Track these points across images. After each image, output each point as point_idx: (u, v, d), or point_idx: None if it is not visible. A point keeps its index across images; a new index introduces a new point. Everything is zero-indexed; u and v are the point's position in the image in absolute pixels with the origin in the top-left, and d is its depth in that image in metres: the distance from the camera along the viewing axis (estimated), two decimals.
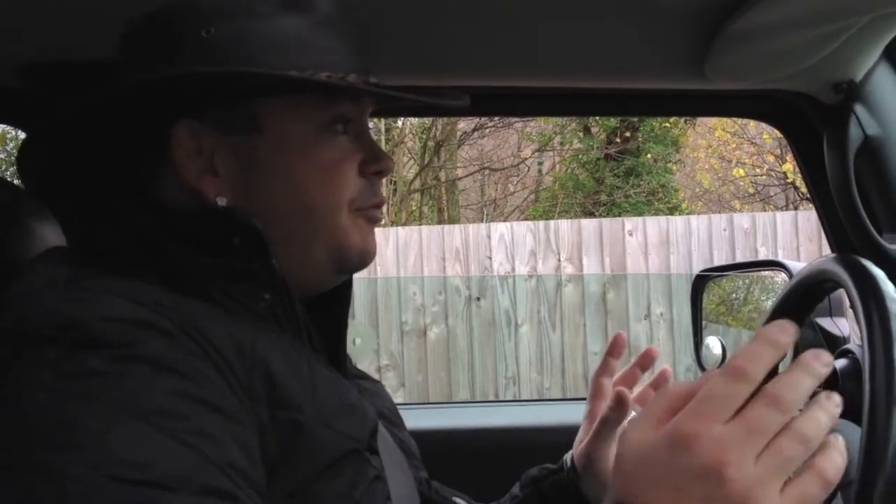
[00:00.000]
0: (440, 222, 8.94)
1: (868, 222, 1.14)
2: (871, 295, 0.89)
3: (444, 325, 4.63)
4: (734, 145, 9.96)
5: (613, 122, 9.20)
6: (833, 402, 0.54)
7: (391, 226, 7.22)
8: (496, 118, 8.39)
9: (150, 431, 0.57)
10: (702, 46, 1.06)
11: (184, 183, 0.75)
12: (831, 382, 1.09)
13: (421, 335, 4.62)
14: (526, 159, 10.02)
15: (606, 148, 9.52)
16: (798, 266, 1.26)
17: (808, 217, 5.42)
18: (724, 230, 5.37)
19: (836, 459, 0.53)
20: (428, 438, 1.10)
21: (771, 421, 0.52)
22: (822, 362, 0.53)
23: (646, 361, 1.00)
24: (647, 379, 1.02)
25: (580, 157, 9.90)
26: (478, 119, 8.56)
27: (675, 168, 10.38)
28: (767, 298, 1.64)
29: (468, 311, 4.64)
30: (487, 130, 9.31)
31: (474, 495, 1.05)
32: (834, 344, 1.17)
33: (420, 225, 7.92)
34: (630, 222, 5.37)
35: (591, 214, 9.04)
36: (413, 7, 0.98)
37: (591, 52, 1.13)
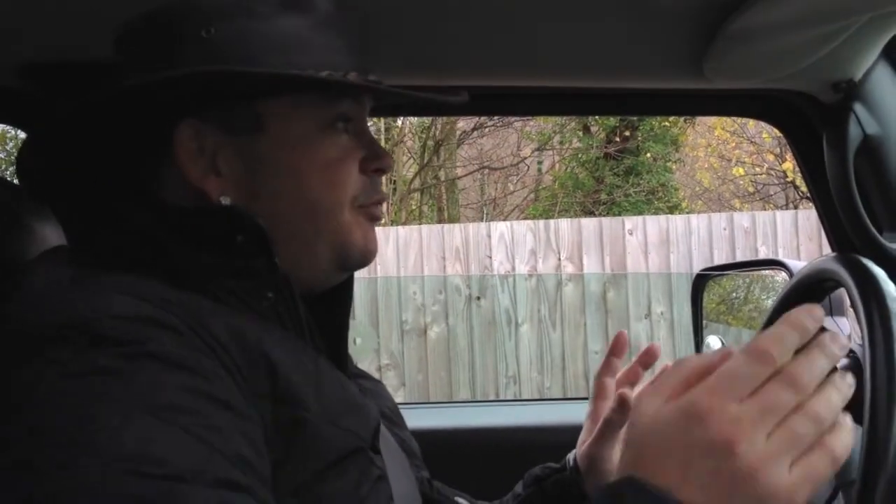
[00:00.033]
0: (440, 221, 8.94)
1: (868, 221, 1.14)
2: (871, 294, 0.90)
3: (444, 325, 4.63)
4: (734, 144, 9.96)
5: (613, 121, 9.20)
6: (846, 383, 0.56)
7: (391, 225, 7.23)
8: (496, 117, 8.39)
9: (164, 427, 0.57)
10: (701, 46, 1.06)
11: (187, 183, 0.75)
12: None
13: (421, 334, 4.62)
14: (525, 158, 10.01)
15: (606, 147, 9.52)
16: (798, 265, 1.26)
17: (809, 216, 5.42)
18: (725, 229, 5.37)
19: (845, 437, 0.54)
20: (428, 438, 1.10)
21: (785, 401, 0.53)
22: (839, 345, 0.55)
23: (647, 359, 1.00)
24: (648, 378, 1.02)
25: (580, 156, 9.89)
26: (477, 118, 8.56)
27: (674, 167, 10.38)
28: (768, 298, 1.64)
29: (468, 310, 4.65)
30: (487, 130, 9.30)
31: (475, 494, 1.05)
32: None
33: (420, 224, 7.91)
34: (630, 221, 5.36)
35: (591, 213, 9.04)
36: (413, 7, 0.98)
37: (591, 52, 1.13)
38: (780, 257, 1.40)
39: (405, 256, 5.03)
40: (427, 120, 8.38)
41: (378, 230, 0.91)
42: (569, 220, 5.54)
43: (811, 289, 1.04)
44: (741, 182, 10.17)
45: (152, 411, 0.57)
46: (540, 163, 10.58)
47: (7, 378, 0.60)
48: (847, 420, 0.55)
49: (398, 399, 1.07)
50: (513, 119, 8.75)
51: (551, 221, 5.38)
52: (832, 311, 1.22)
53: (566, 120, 9.36)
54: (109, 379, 0.58)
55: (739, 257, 5.18)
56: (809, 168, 1.30)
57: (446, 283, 4.69)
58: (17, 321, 0.64)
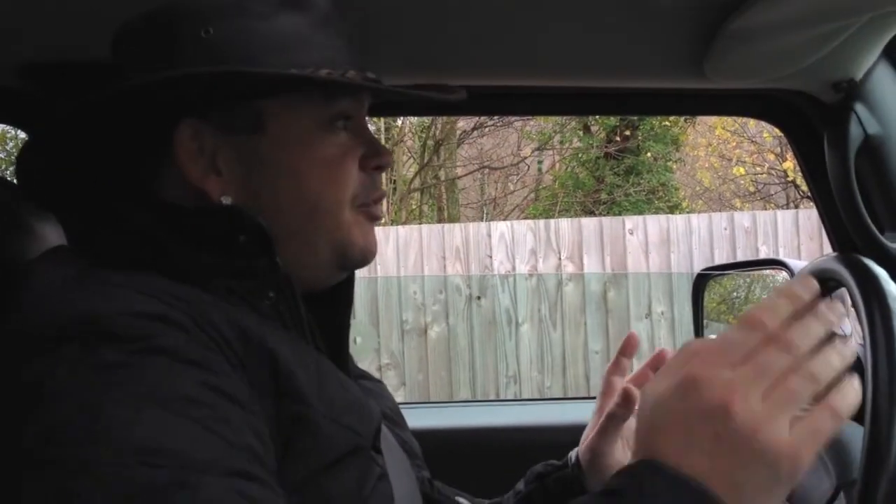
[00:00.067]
0: (440, 221, 8.94)
1: (869, 221, 1.14)
2: (873, 294, 0.90)
3: (444, 324, 4.63)
4: (734, 144, 9.96)
5: (613, 120, 9.20)
6: (849, 347, 0.57)
7: (391, 224, 7.23)
8: (496, 117, 8.39)
9: (176, 419, 0.57)
10: (702, 46, 1.06)
11: (187, 183, 0.75)
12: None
13: (421, 334, 4.62)
14: (526, 158, 10.01)
15: (606, 146, 9.51)
16: (799, 265, 1.26)
17: (809, 215, 5.42)
18: (725, 229, 5.37)
19: (850, 396, 0.55)
20: (428, 438, 1.10)
21: (778, 362, 0.55)
22: (834, 312, 0.57)
23: (658, 363, 1.00)
24: None
25: (580, 155, 9.89)
26: (477, 118, 8.56)
27: (675, 167, 10.37)
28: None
29: (469, 310, 4.65)
30: (487, 129, 9.30)
31: (475, 494, 1.05)
32: None
33: (420, 224, 7.92)
34: (630, 221, 5.36)
35: (591, 213, 9.04)
36: (413, 7, 0.98)
37: (591, 52, 1.13)
38: (781, 257, 1.40)
39: (405, 256, 5.03)
40: (427, 120, 8.38)
41: (378, 230, 0.91)
42: (569, 219, 5.54)
43: None
44: (742, 181, 10.17)
45: (163, 405, 0.58)
46: (540, 162, 10.58)
47: (15, 377, 0.60)
48: (854, 381, 0.56)
49: (398, 399, 1.07)
50: (513, 119, 8.75)
51: (552, 221, 5.38)
52: None
53: (566, 119, 9.36)
54: (119, 374, 0.58)
55: (740, 257, 5.18)
56: (810, 168, 1.30)
57: (446, 282, 4.69)
58: (21, 321, 0.64)
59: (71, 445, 0.55)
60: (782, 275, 1.37)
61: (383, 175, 0.86)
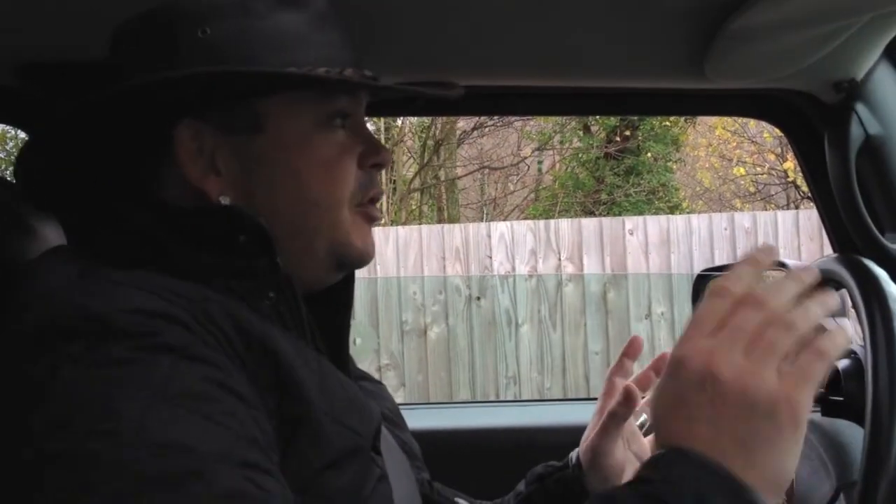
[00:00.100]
0: (440, 221, 8.94)
1: (870, 222, 1.14)
2: (873, 295, 0.90)
3: (444, 325, 4.63)
4: (734, 144, 9.96)
5: (613, 120, 9.20)
6: (831, 298, 0.60)
7: (391, 225, 7.23)
8: (496, 117, 8.39)
9: (184, 414, 0.58)
10: (702, 46, 1.06)
11: (187, 183, 0.75)
12: (834, 383, 1.09)
13: (421, 335, 4.62)
14: (526, 158, 10.01)
15: (606, 147, 9.51)
16: (800, 266, 1.26)
17: (810, 216, 5.42)
18: (725, 229, 5.36)
19: (837, 339, 0.58)
20: (428, 438, 1.10)
21: (752, 319, 0.57)
22: (808, 273, 0.60)
23: (660, 366, 1.00)
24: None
25: (580, 155, 9.89)
26: (477, 118, 8.55)
27: (675, 167, 10.38)
28: None
29: (468, 310, 4.64)
30: (487, 129, 9.30)
31: (474, 495, 1.05)
32: None
33: (420, 224, 7.91)
34: (630, 221, 5.36)
35: (591, 213, 9.04)
36: (413, 7, 0.98)
37: (591, 52, 1.13)
38: (782, 257, 1.39)
39: (405, 256, 5.03)
40: (427, 120, 8.38)
41: (378, 230, 0.91)
42: (569, 220, 5.54)
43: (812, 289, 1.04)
44: (742, 182, 10.16)
45: (171, 400, 0.58)
46: (540, 163, 10.57)
47: (19, 376, 0.60)
48: (845, 326, 0.58)
49: (398, 399, 1.07)
50: (513, 119, 8.75)
51: (551, 221, 5.38)
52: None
53: (566, 120, 9.36)
54: (126, 370, 0.59)
55: (740, 257, 5.16)
56: (811, 168, 1.30)
57: (446, 283, 4.69)
58: (25, 320, 0.64)
59: (81, 438, 0.55)
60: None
61: (383, 175, 0.86)
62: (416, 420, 1.28)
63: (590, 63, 1.17)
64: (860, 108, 1.14)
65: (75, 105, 0.73)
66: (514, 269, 5.08)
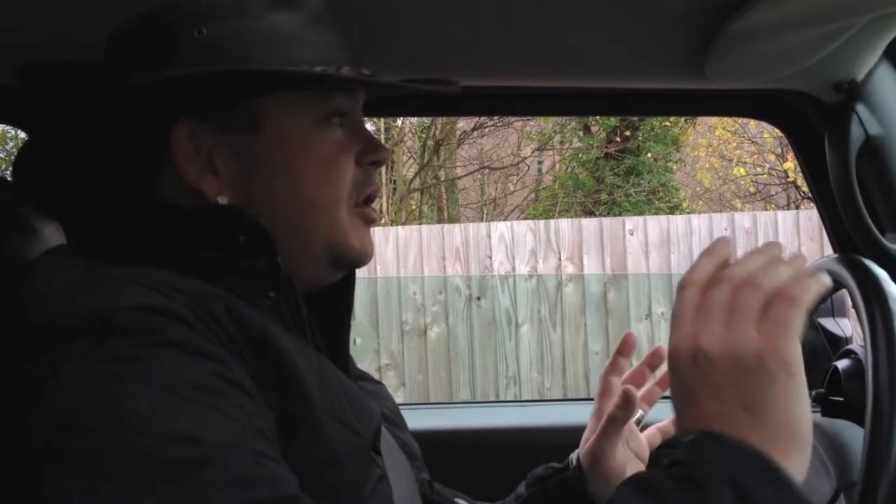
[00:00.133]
0: (440, 221, 8.94)
1: (870, 222, 1.14)
2: (873, 295, 0.89)
3: (444, 325, 4.63)
4: (735, 144, 9.96)
5: (613, 121, 9.20)
6: (800, 258, 0.64)
7: (391, 225, 7.23)
8: (496, 117, 8.39)
9: (191, 405, 0.58)
10: (702, 46, 1.06)
11: (184, 183, 0.75)
12: (834, 383, 1.09)
13: (421, 335, 4.62)
14: (526, 158, 10.01)
15: (606, 147, 9.52)
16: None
17: (810, 216, 5.42)
18: (726, 229, 5.36)
19: (808, 284, 0.61)
20: (428, 439, 1.10)
21: (721, 294, 0.61)
22: (774, 246, 0.64)
23: (654, 361, 1.00)
24: (653, 380, 1.02)
25: (580, 156, 9.89)
26: (477, 118, 8.55)
27: (675, 167, 10.38)
28: None
29: (468, 310, 4.64)
30: (487, 129, 9.30)
31: (474, 496, 1.05)
32: (836, 344, 1.16)
33: (420, 224, 7.91)
34: (631, 221, 5.36)
35: (591, 214, 9.04)
36: (413, 7, 0.98)
37: (591, 52, 1.13)
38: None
39: (405, 256, 5.03)
40: (427, 120, 8.38)
41: (378, 230, 0.91)
42: (569, 220, 5.54)
43: None
44: (742, 182, 10.17)
45: (177, 393, 0.58)
46: (540, 163, 10.57)
47: (22, 375, 0.60)
48: (821, 274, 0.62)
49: (398, 399, 1.07)
50: (513, 119, 8.75)
51: (552, 221, 5.38)
52: (834, 312, 1.22)
53: (566, 120, 9.36)
54: (131, 366, 0.59)
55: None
56: (811, 168, 1.30)
57: (446, 283, 4.69)
58: (25, 319, 0.64)
59: (89, 432, 0.55)
60: None
61: (382, 175, 0.86)
62: (416, 420, 1.28)
63: (590, 63, 1.17)
64: (860, 108, 1.14)
65: (75, 105, 0.73)
66: (514, 269, 5.08)
